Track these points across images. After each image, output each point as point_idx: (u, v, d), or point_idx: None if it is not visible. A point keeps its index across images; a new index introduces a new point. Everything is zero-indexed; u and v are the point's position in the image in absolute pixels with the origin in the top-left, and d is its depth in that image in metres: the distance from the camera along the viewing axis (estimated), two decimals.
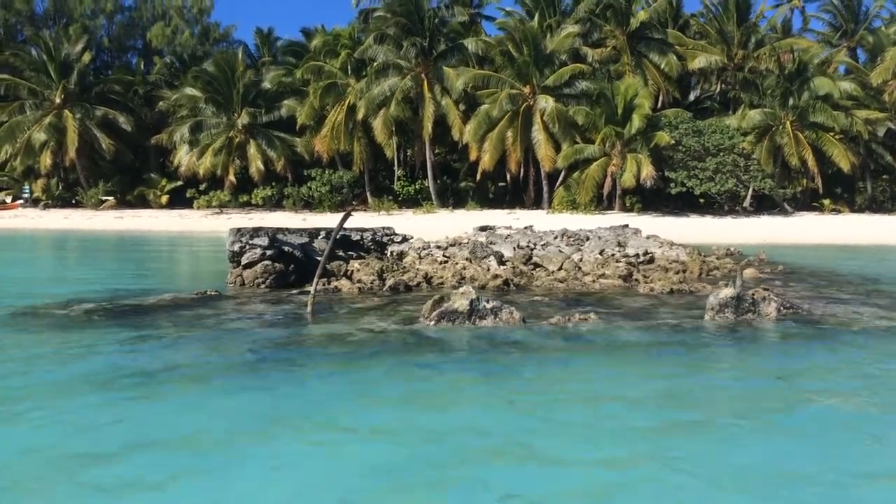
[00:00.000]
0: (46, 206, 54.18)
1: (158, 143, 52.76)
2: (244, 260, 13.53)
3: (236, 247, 13.61)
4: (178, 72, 57.62)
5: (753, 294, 9.86)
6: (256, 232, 13.82)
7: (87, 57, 55.18)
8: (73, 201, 55.47)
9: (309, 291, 11.06)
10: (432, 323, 9.28)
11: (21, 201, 55.21)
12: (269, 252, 13.55)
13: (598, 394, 6.65)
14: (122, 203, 53.99)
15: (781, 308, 9.86)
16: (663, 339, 8.82)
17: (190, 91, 51.81)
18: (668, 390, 6.80)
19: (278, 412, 6.03)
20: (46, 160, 51.83)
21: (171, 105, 53.19)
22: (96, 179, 54.94)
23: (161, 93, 55.60)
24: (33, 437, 5.44)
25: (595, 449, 5.26)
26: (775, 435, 5.60)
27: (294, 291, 12.73)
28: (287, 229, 14.75)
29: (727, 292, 9.67)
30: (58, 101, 52.77)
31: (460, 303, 9.28)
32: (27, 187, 55.63)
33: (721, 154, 41.86)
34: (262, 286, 13.31)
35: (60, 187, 55.79)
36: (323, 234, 15.32)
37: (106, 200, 53.54)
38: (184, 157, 50.99)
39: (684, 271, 15.82)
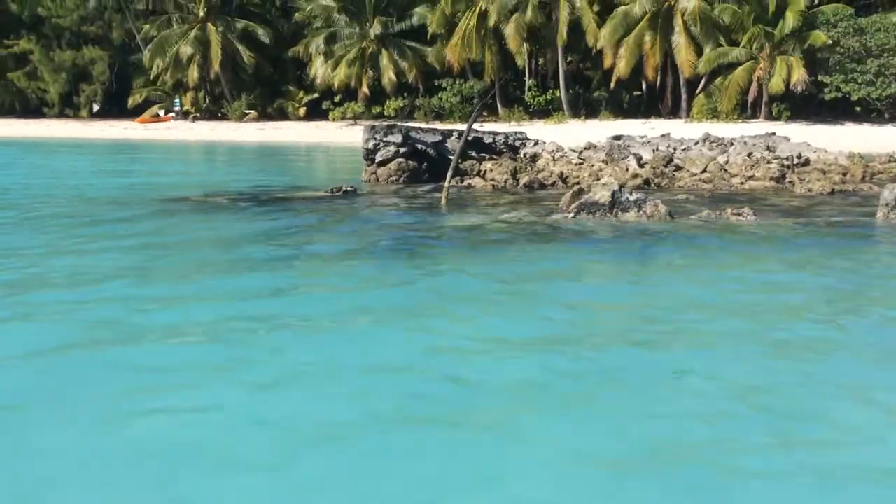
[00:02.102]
0: (195, 119, 56.92)
1: (295, 55, 53.79)
2: (378, 157, 13.61)
3: (370, 144, 13.69)
4: None
5: None
6: (390, 129, 13.83)
7: None
8: (219, 114, 57.97)
9: (443, 187, 11.00)
10: (571, 215, 8.98)
11: (173, 114, 58.26)
12: (402, 149, 13.56)
13: (762, 288, 6.20)
14: (263, 115, 55.88)
15: None
16: (830, 235, 8.11)
17: (324, 1, 52.14)
18: (838, 288, 6.23)
19: (415, 296, 5.99)
20: (193, 74, 54.12)
21: (306, 16, 53.81)
22: (239, 92, 56.98)
23: (297, 3, 56.28)
24: (201, 307, 5.71)
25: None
26: None
27: (427, 188, 12.72)
28: (420, 128, 14.69)
29: None
30: (201, 14, 54.60)
31: (602, 193, 8.91)
32: (178, 100, 58.54)
33: (885, 55, 37.95)
34: (396, 183, 13.39)
35: (207, 100, 58.34)
36: (455, 134, 15.15)
37: (248, 113, 55.63)
38: (319, 69, 51.80)
39: (845, 174, 14.54)
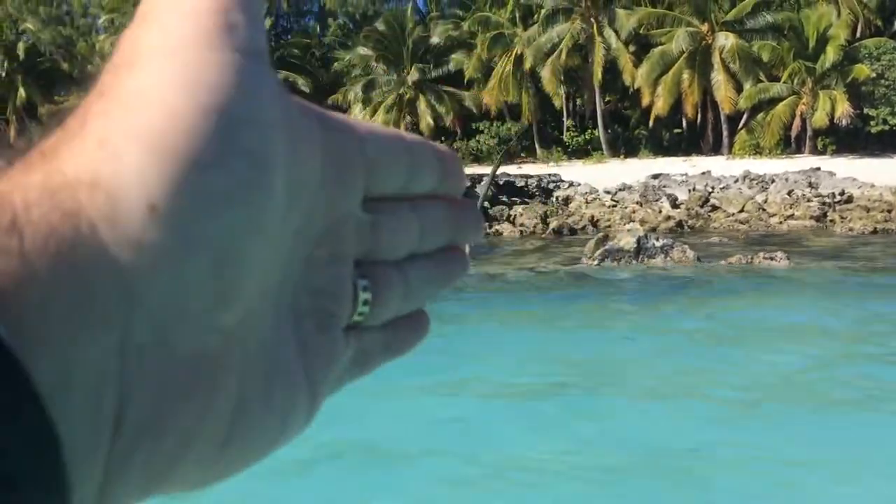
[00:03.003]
0: None
1: (335, 102, 54.77)
2: None
3: None
4: (351, 32, 59.29)
5: None
6: None
7: (268, 23, 58.15)
8: None
9: None
10: (595, 262, 8.70)
11: None
12: None
13: (781, 334, 5.85)
14: None
15: None
16: (869, 279, 7.67)
17: (362, 51, 53.22)
18: (872, 335, 5.85)
19: (434, 357, 5.80)
20: None
21: (345, 66, 54.96)
22: None
23: (336, 54, 57.55)
24: None
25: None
26: None
27: None
28: None
29: None
30: None
31: (626, 240, 8.63)
32: None
33: None
34: None
35: None
36: (485, 179, 15.00)
37: None
38: (358, 116, 52.58)
39: (889, 210, 13.97)
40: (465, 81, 50.16)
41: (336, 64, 55.79)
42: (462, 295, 7.65)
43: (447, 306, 7.20)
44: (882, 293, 7.28)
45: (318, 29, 62.89)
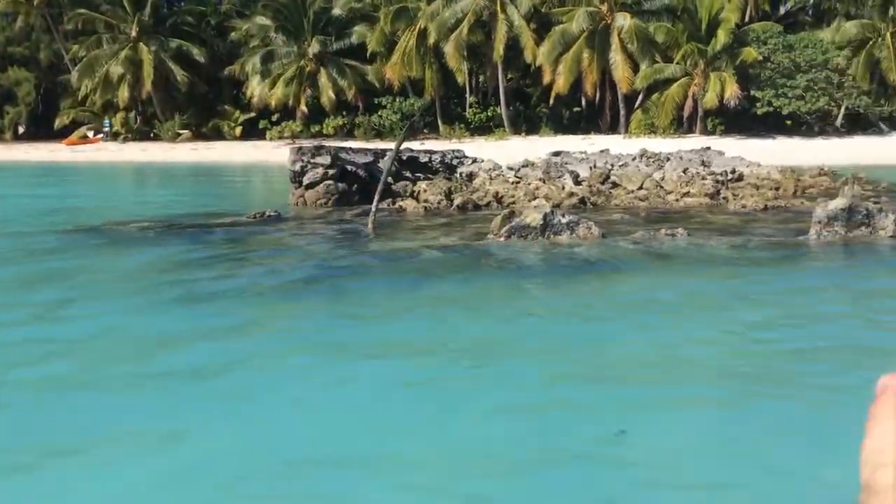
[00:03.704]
0: (126, 140, 55.26)
1: (231, 74, 52.76)
2: (306, 180, 13.04)
3: (297, 166, 13.11)
4: (249, 1, 57.10)
5: (867, 206, 8.72)
6: (318, 150, 13.27)
7: None
8: (151, 134, 56.41)
9: (371, 210, 10.50)
10: (502, 239, 8.58)
11: (102, 135, 56.45)
12: (331, 171, 13.02)
13: (687, 311, 5.88)
14: (198, 135, 54.57)
15: None
16: (764, 255, 7.87)
17: (260, 20, 51.36)
18: (772, 312, 5.95)
19: (330, 333, 5.51)
20: (124, 94, 52.58)
21: (242, 35, 52.93)
22: (172, 112, 55.58)
23: (232, 23, 55.32)
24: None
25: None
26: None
27: (357, 211, 12.19)
28: (350, 149, 14.18)
29: (837, 203, 8.56)
30: (133, 33, 53.16)
31: (533, 217, 8.54)
32: (108, 121, 56.76)
33: (813, 70, 39.00)
34: (325, 206, 12.83)
35: (138, 121, 56.73)
36: (388, 154, 14.68)
37: (182, 134, 54.24)
38: (256, 88, 50.91)
39: (777, 188, 14.55)
40: (368, 55, 49.27)
41: (233, 33, 53.65)
42: (366, 272, 7.37)
43: (349, 283, 6.91)
44: (777, 267, 7.47)
45: None
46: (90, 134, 56.59)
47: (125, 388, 4.35)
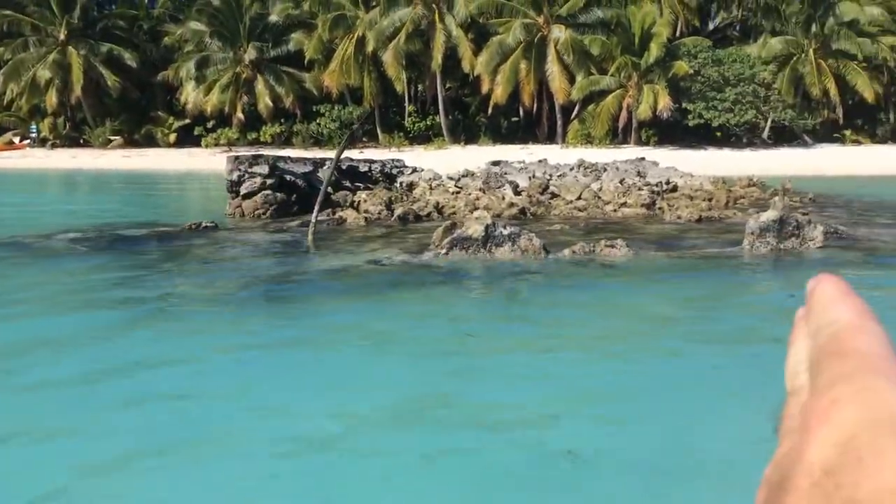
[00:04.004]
0: (54, 146, 53.41)
1: (165, 79, 51.55)
2: (243, 190, 12.79)
3: (234, 175, 12.85)
4: (183, 5, 55.93)
5: (797, 218, 9.01)
6: (256, 160, 13.03)
7: None
8: (81, 141, 54.65)
9: (311, 221, 10.35)
10: (444, 251, 8.54)
11: (28, 141, 54.45)
12: (269, 181, 12.80)
13: (629, 322, 5.95)
14: (130, 142, 53.12)
15: (827, 233, 9.03)
16: (700, 266, 8.04)
17: (195, 25, 50.36)
18: (708, 321, 6.08)
19: (266, 350, 5.37)
20: (52, 99, 50.83)
21: (176, 40, 51.81)
22: (103, 118, 53.97)
23: (166, 28, 54.11)
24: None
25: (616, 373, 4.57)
26: None
27: (296, 222, 12.01)
28: (289, 158, 13.97)
29: (769, 215, 8.81)
30: (61, 37, 51.47)
31: (474, 228, 8.52)
32: (34, 127, 54.76)
33: (741, 84, 40.35)
34: (263, 217, 12.60)
35: (67, 126, 54.89)
36: (328, 164, 14.53)
37: (113, 140, 52.72)
38: (190, 94, 49.87)
39: (710, 199, 14.94)
40: (306, 62, 48.84)
41: (166, 38, 52.50)
42: (303, 286, 7.24)
43: (286, 297, 6.77)
44: (711, 277, 7.63)
45: (147, 0, 58.89)
46: (16, 140, 54.54)
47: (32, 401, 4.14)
